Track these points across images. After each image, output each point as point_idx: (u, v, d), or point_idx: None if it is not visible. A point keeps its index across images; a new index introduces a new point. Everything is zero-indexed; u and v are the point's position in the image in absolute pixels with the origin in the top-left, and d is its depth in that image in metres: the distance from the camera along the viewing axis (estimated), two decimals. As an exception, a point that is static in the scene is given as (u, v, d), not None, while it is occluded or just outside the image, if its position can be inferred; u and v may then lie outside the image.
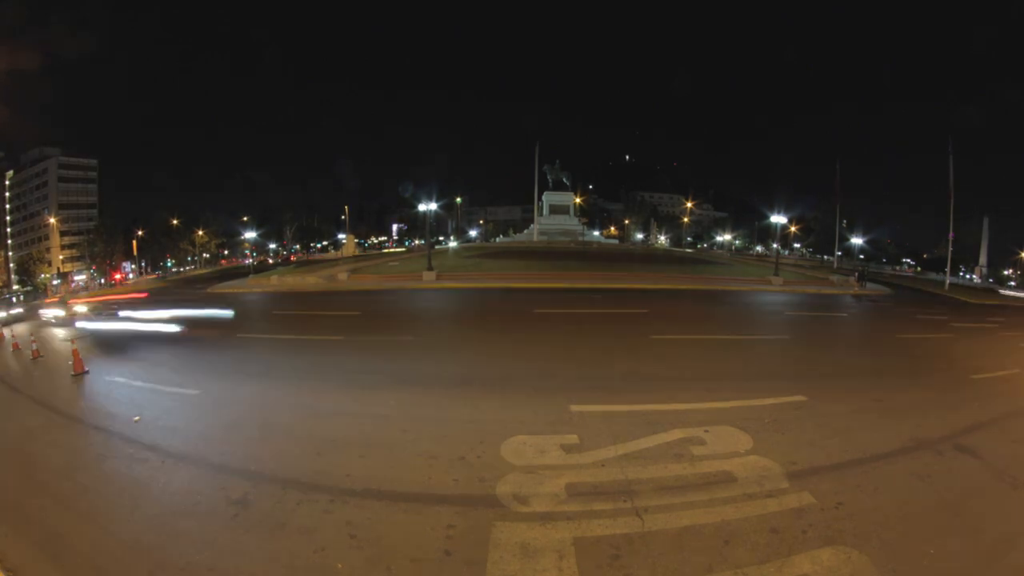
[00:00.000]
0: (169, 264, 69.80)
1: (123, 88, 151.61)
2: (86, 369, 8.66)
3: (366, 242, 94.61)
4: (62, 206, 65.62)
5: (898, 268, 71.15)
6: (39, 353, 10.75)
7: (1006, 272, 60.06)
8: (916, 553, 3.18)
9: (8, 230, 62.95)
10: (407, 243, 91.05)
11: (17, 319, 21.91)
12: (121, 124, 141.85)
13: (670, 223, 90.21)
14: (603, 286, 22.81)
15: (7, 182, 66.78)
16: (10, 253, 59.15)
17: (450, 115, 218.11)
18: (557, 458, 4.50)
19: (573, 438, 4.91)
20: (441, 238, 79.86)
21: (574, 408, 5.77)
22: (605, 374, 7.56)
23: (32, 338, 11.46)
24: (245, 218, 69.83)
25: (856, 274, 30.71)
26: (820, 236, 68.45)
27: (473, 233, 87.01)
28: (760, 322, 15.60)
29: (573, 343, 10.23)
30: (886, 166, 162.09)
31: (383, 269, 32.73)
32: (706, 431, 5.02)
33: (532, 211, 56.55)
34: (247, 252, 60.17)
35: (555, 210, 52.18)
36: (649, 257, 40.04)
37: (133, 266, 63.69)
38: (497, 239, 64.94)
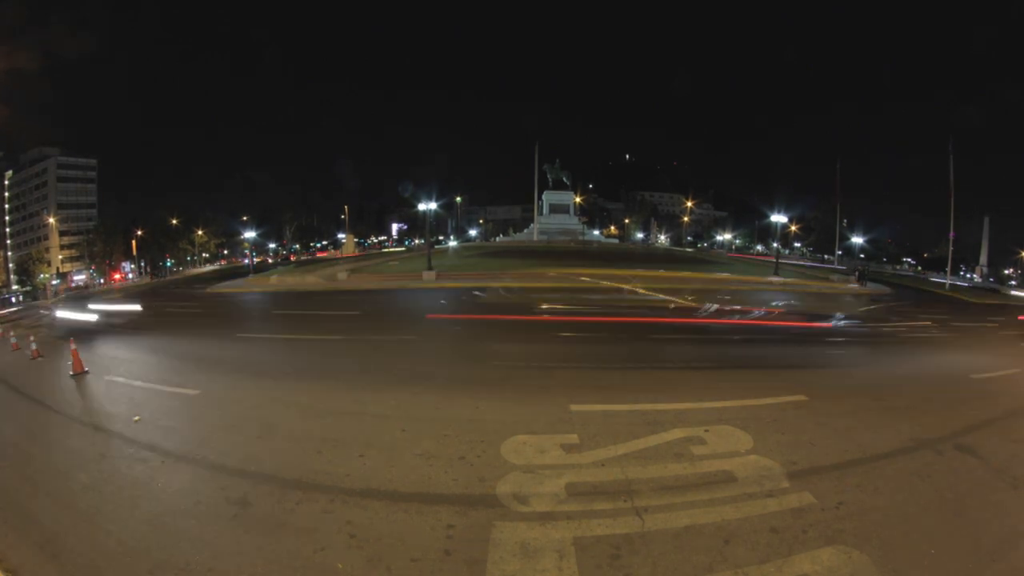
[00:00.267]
0: (169, 264, 69.78)
1: (123, 88, 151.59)
2: (86, 369, 8.66)
3: (366, 242, 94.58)
4: (61, 206, 65.64)
5: (898, 267, 71.14)
6: (39, 353, 10.75)
7: (1007, 272, 60.08)
8: (917, 553, 3.18)
9: (7, 230, 62.94)
10: (407, 243, 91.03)
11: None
12: (121, 124, 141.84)
13: (670, 222, 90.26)
14: (604, 285, 22.79)
15: (6, 182, 66.79)
16: (9, 253, 59.13)
17: (450, 115, 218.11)
18: (557, 458, 4.49)
19: (573, 437, 4.90)
20: (441, 237, 79.84)
21: (574, 407, 5.76)
22: (605, 373, 7.55)
23: (32, 338, 11.46)
24: (245, 218, 69.93)
25: (856, 273, 30.72)
26: (820, 236, 68.50)
27: (473, 232, 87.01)
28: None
29: (573, 342, 10.23)
30: (886, 166, 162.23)
31: (383, 269, 32.74)
32: (706, 431, 5.02)
33: (532, 210, 56.57)
34: (247, 252, 60.12)
35: (555, 209, 52.20)
36: (649, 257, 40.05)
37: (132, 266, 63.65)
38: (497, 238, 64.93)
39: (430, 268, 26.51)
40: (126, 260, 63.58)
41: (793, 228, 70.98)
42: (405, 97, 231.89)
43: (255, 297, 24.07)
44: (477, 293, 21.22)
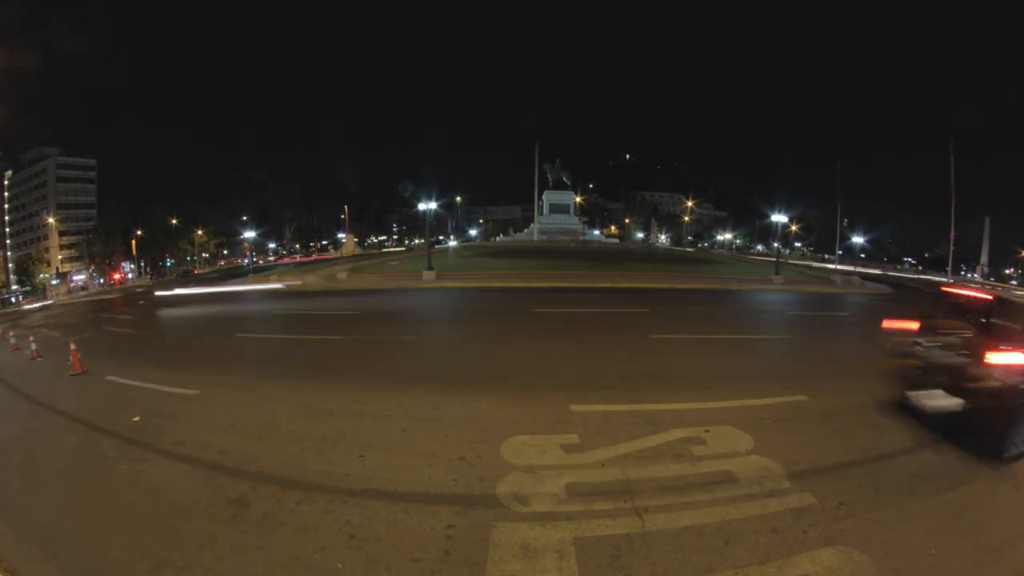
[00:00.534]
0: (169, 264, 69.77)
1: (123, 88, 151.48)
2: (85, 369, 8.66)
3: (366, 241, 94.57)
4: (61, 206, 65.59)
5: (899, 267, 71.15)
6: (38, 353, 10.75)
7: (1007, 271, 60.09)
8: (917, 553, 3.17)
9: (7, 230, 62.92)
10: (407, 243, 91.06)
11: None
12: (121, 124, 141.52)
13: (670, 222, 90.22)
14: (603, 285, 22.80)
15: (6, 182, 66.77)
16: (9, 253, 59.13)
17: (450, 115, 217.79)
18: (557, 458, 4.49)
19: (573, 438, 4.90)
20: (441, 237, 79.85)
21: (574, 408, 5.76)
22: (605, 373, 7.55)
23: (31, 338, 11.46)
24: (245, 217, 69.91)
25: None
26: (821, 235, 68.50)
27: (473, 232, 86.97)
28: (761, 321, 15.60)
29: (573, 342, 10.22)
30: (886, 166, 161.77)
31: (383, 268, 32.73)
32: (707, 431, 5.02)
33: (532, 210, 56.48)
34: (247, 252, 60.08)
35: (555, 209, 52.11)
36: (649, 256, 40.00)
37: (132, 266, 63.63)
38: (497, 238, 64.85)
39: (430, 268, 26.51)
40: (126, 260, 63.58)
41: (794, 228, 71.03)
42: (405, 97, 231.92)
43: (254, 297, 24.07)
44: (477, 292, 21.23)
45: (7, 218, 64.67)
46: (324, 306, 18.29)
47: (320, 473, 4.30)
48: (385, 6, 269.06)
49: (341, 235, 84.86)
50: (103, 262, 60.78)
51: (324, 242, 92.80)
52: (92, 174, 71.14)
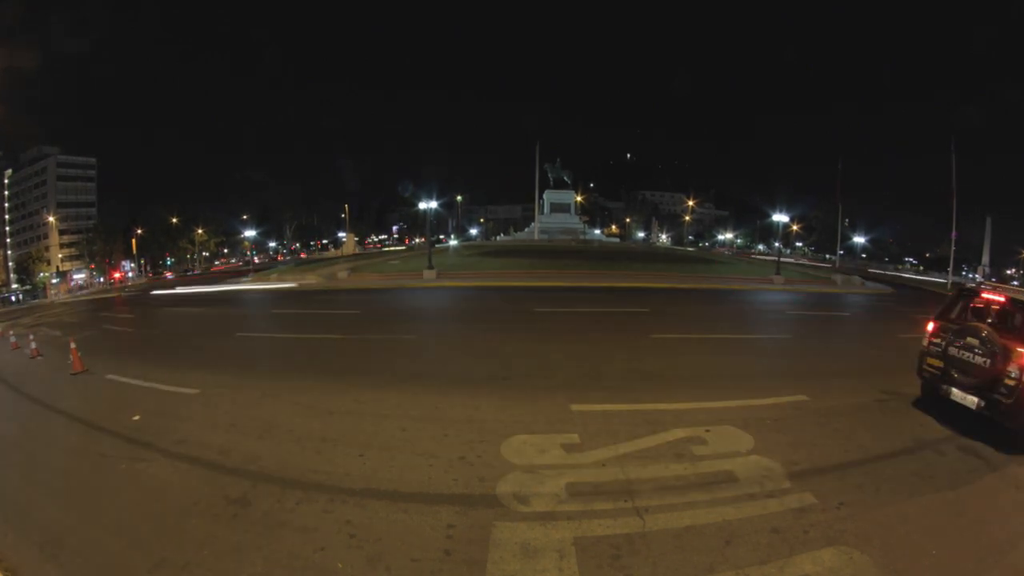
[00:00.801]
0: (169, 263, 69.77)
1: (123, 88, 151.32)
2: (85, 368, 8.66)
3: (366, 241, 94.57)
4: (61, 205, 65.59)
5: (900, 267, 71.11)
6: (38, 352, 10.75)
7: (1009, 271, 60.03)
8: (918, 553, 3.17)
9: (7, 229, 62.90)
10: (408, 244, 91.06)
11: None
12: (121, 123, 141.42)
13: (671, 222, 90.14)
14: (604, 285, 22.79)
15: (6, 181, 66.74)
16: (9, 252, 59.12)
17: (450, 115, 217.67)
18: (557, 457, 4.49)
19: (573, 437, 4.90)
20: (442, 236, 79.75)
21: (574, 407, 5.75)
22: (606, 373, 7.54)
23: (31, 337, 11.46)
24: (245, 216, 69.92)
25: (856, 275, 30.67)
26: (822, 235, 68.48)
27: (474, 231, 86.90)
28: (761, 321, 15.58)
29: (573, 342, 10.21)
30: (886, 166, 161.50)
31: (383, 267, 32.71)
32: (707, 431, 5.01)
33: (533, 209, 56.36)
34: (247, 252, 60.03)
35: (556, 208, 52.09)
36: (650, 256, 39.92)
37: (132, 265, 63.63)
38: (498, 237, 64.82)
39: (431, 267, 26.50)
40: (126, 259, 63.54)
41: (794, 228, 70.94)
42: (405, 97, 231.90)
43: (255, 296, 24.07)
44: (478, 292, 21.22)
45: (7, 217, 64.65)
46: (324, 305, 18.29)
47: (320, 473, 4.30)
48: (385, 6, 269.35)
49: (341, 234, 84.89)
50: (103, 261, 60.78)
51: (324, 241, 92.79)
52: (92, 173, 71.13)
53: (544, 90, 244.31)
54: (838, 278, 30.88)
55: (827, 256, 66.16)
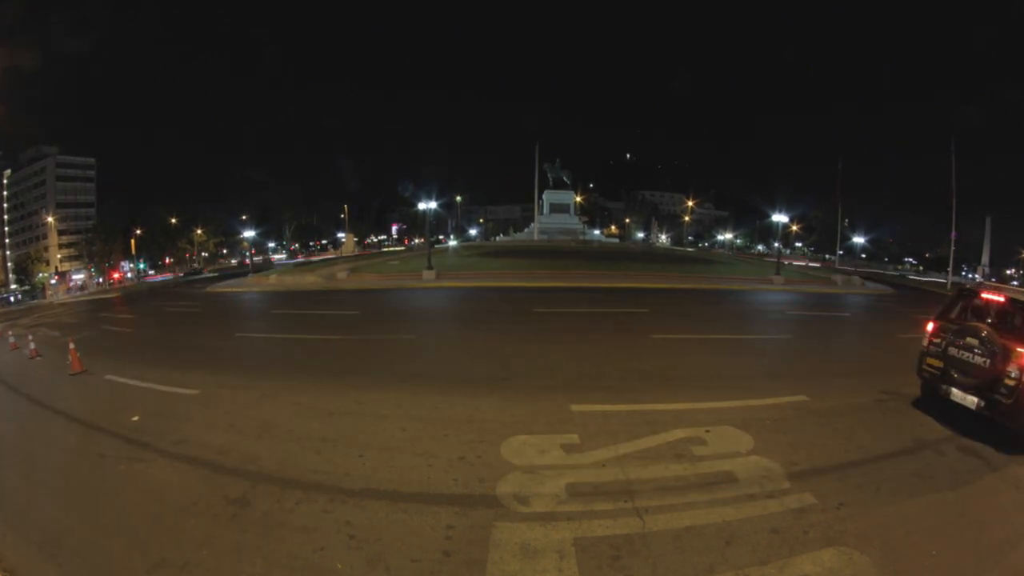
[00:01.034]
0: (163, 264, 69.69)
1: (123, 87, 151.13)
2: (84, 368, 8.65)
3: (366, 241, 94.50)
4: (60, 205, 65.49)
5: (900, 267, 71.18)
6: (37, 353, 10.74)
7: (1008, 272, 60.08)
8: (918, 553, 3.17)
9: (6, 229, 62.86)
10: (408, 244, 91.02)
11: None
12: (120, 123, 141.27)
13: (671, 222, 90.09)
14: (603, 285, 22.79)
15: (5, 181, 66.70)
16: (8, 252, 59.07)
17: (450, 115, 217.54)
18: (557, 458, 4.48)
19: (573, 438, 4.89)
20: (441, 237, 79.74)
21: (574, 408, 5.75)
22: (605, 373, 7.54)
23: (30, 337, 11.45)
24: (244, 217, 69.73)
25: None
26: (822, 235, 68.51)
27: (473, 232, 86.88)
28: (761, 321, 15.58)
29: (573, 342, 10.21)
30: (886, 166, 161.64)
31: (383, 268, 32.70)
32: (707, 431, 5.01)
33: (532, 210, 56.40)
34: (246, 253, 59.90)
35: (555, 209, 52.07)
36: (650, 256, 39.93)
37: (131, 265, 63.55)
38: (497, 238, 64.79)
39: (430, 267, 26.50)
40: (125, 259, 63.48)
41: (794, 228, 70.96)
42: (405, 97, 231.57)
43: (254, 297, 24.06)
44: (477, 292, 21.21)
45: (6, 217, 64.60)
46: (324, 305, 18.29)
47: (320, 473, 4.29)
48: (385, 6, 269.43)
49: (341, 235, 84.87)
50: (102, 261, 60.72)
51: (324, 241, 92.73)
52: (91, 173, 71.05)
53: (544, 90, 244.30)
54: (838, 278, 30.91)
55: (827, 256, 66.23)
